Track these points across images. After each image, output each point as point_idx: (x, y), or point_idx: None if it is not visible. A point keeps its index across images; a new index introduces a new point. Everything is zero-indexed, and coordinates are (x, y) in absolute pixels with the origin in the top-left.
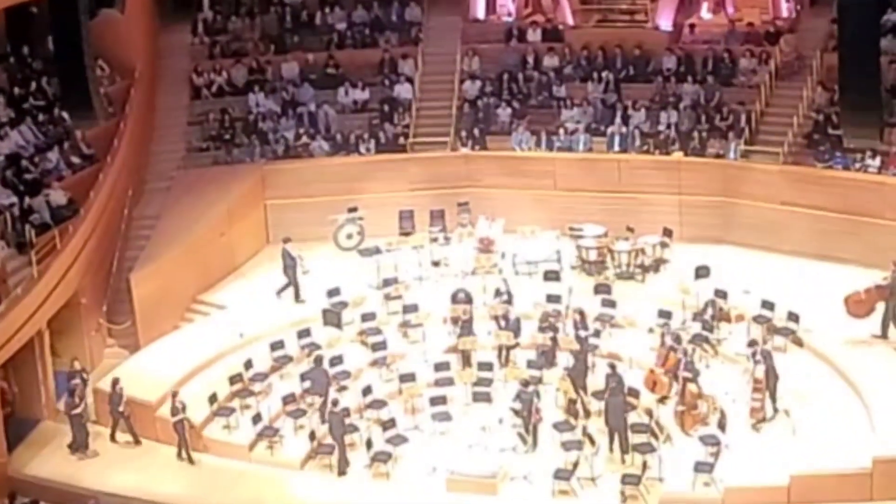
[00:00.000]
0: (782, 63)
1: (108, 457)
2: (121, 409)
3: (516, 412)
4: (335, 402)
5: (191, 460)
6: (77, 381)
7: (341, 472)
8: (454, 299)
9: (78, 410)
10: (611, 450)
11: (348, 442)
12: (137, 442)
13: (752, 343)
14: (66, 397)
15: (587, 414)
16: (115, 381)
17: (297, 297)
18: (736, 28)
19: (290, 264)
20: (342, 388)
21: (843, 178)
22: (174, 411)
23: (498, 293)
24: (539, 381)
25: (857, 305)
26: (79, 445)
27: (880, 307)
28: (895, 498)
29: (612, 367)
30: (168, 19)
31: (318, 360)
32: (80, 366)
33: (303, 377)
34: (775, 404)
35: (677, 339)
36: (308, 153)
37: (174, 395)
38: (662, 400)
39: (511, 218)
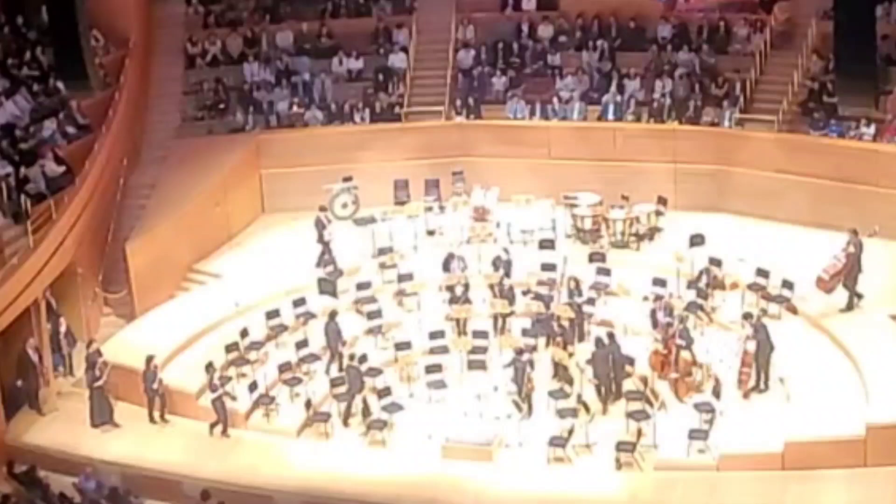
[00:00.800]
0: (776, 31)
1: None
2: (155, 386)
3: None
4: (352, 357)
5: (226, 434)
6: (98, 357)
7: (345, 422)
8: (446, 267)
9: (99, 384)
10: (601, 402)
11: (344, 410)
12: (164, 420)
13: (746, 315)
14: (88, 372)
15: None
16: (150, 359)
17: (319, 262)
18: None
19: (320, 231)
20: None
21: (838, 146)
22: (213, 388)
23: (497, 262)
24: (534, 349)
25: (834, 279)
26: (101, 419)
27: None
28: (889, 464)
29: (611, 335)
30: None
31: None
32: (97, 347)
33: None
34: (769, 376)
35: (670, 312)
36: (303, 123)
37: (212, 370)
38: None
39: (506, 187)
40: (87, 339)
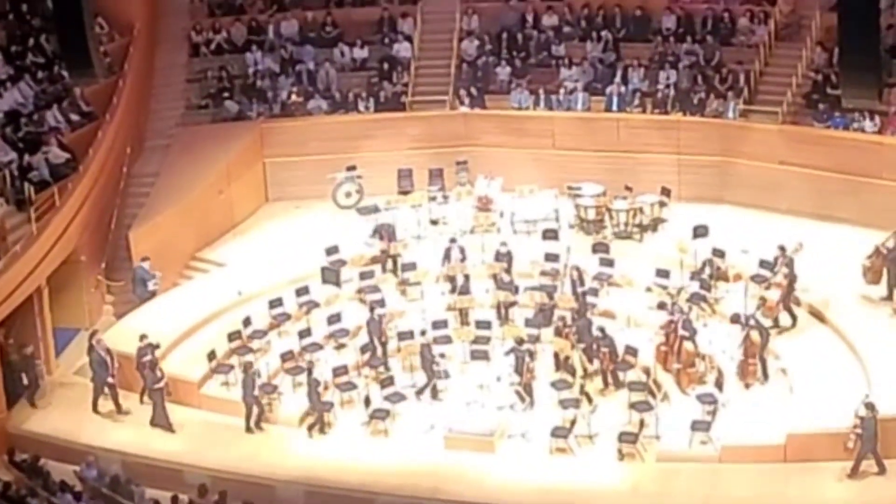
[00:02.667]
0: (781, 24)
1: (106, 414)
2: (256, 393)
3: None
4: (423, 332)
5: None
6: (149, 356)
7: (435, 397)
8: (447, 257)
9: (160, 385)
10: (583, 365)
11: (346, 399)
12: (260, 429)
13: (734, 318)
14: (147, 372)
15: (584, 372)
16: (248, 366)
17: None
18: None
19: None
20: (341, 346)
21: (842, 139)
22: (314, 384)
23: (499, 256)
24: (537, 339)
25: (779, 306)
26: (160, 421)
27: None
28: (890, 457)
29: (601, 330)
30: None
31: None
32: (148, 341)
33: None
34: (766, 367)
35: (682, 311)
36: (306, 111)
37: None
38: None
39: (510, 177)
40: (89, 327)
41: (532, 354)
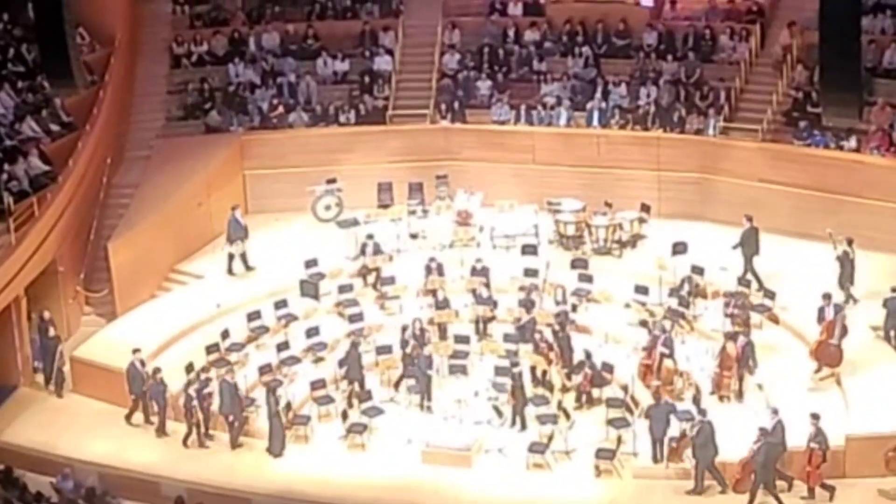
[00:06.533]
0: (775, 56)
1: (83, 424)
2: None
3: (500, 387)
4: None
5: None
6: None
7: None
8: (427, 271)
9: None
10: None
11: (323, 413)
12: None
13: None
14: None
15: (564, 389)
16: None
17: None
18: (717, 5)
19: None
20: (319, 360)
21: (821, 156)
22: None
23: (474, 271)
24: (515, 354)
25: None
26: (276, 449)
27: None
28: (867, 476)
29: (587, 353)
30: None
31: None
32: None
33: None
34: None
35: (663, 329)
36: (287, 124)
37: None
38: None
39: (489, 191)
40: (67, 338)
41: (521, 375)
